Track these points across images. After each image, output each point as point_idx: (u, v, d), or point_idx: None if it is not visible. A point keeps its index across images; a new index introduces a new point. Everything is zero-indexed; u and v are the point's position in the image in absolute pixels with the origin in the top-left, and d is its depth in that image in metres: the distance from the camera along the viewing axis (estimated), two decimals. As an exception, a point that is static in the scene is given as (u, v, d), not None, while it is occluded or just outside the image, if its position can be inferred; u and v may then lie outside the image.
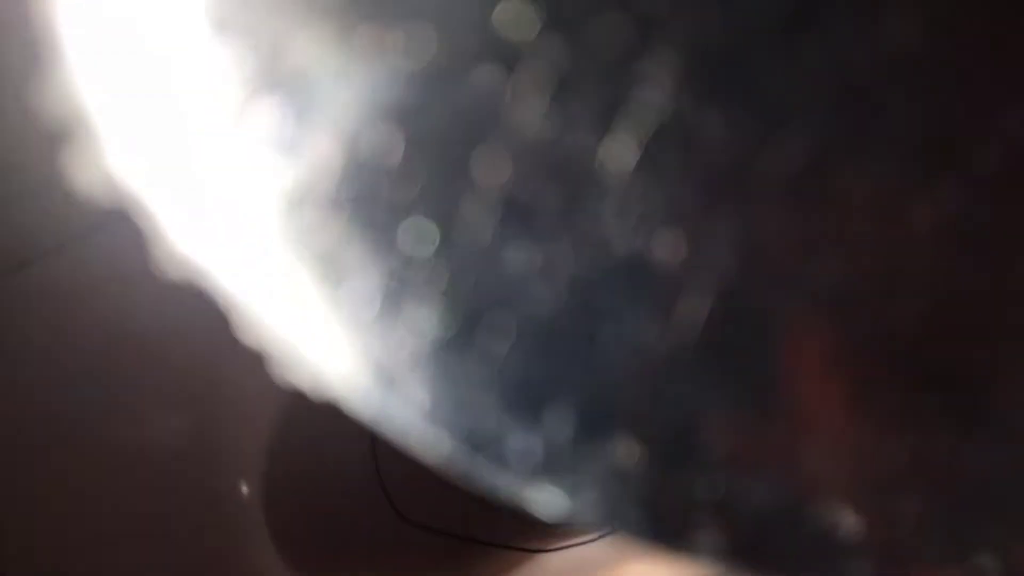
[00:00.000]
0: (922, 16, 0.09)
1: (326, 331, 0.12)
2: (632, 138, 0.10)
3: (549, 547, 0.43)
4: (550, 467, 0.11)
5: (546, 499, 0.12)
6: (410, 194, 0.10)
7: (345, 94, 0.10)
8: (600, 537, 0.43)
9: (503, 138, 0.10)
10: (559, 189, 0.10)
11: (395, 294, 0.11)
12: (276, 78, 0.10)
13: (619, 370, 0.11)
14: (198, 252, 0.11)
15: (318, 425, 0.56)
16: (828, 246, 0.10)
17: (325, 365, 0.12)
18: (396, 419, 0.12)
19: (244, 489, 0.54)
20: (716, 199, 0.10)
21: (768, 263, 0.10)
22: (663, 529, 0.12)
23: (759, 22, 0.09)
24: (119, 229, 0.44)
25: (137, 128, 0.11)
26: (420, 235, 0.11)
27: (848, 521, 0.11)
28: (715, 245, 0.10)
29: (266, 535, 0.51)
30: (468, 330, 0.11)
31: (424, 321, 0.11)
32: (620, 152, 0.10)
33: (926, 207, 0.10)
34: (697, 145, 0.10)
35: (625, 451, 0.11)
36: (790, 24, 0.09)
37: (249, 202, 0.11)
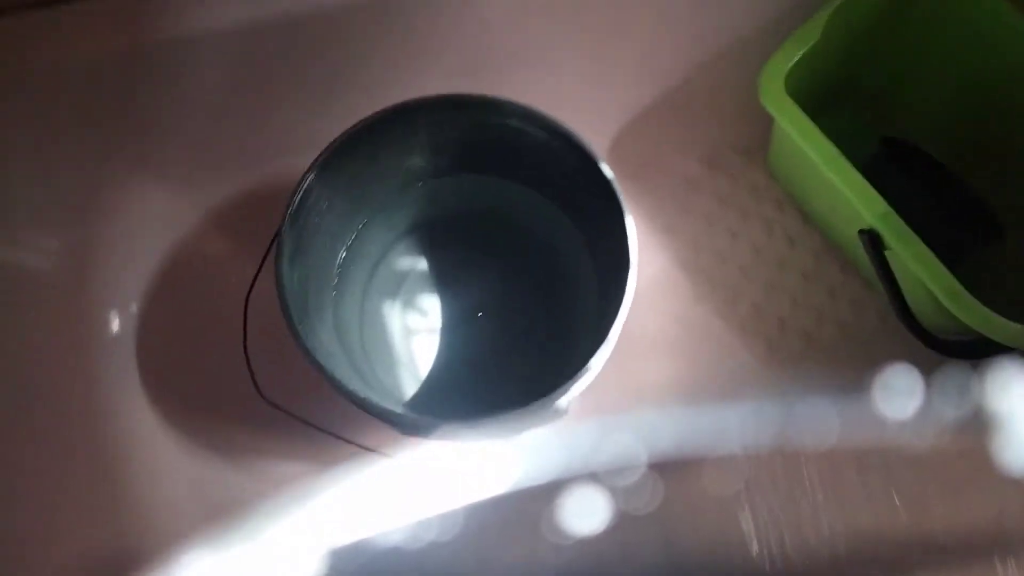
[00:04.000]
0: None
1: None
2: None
3: (387, 451, 0.47)
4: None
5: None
6: None
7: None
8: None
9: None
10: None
11: None
12: None
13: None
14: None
15: (197, 284, 0.58)
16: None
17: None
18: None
19: (115, 324, 0.55)
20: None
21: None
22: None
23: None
24: None
25: None
26: None
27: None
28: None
29: (136, 378, 0.53)
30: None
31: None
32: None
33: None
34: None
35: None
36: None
37: None
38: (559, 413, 0.43)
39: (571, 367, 0.42)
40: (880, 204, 0.44)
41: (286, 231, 0.44)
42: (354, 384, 0.42)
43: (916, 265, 0.43)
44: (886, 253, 0.46)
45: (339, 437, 0.49)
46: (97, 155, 0.53)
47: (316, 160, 0.45)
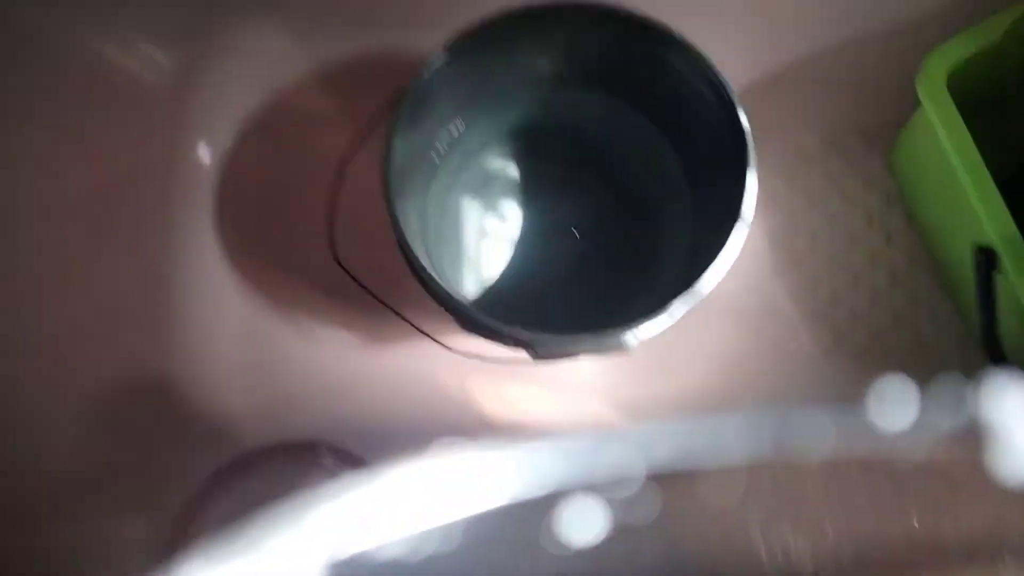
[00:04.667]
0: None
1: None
2: None
3: (451, 345, 0.47)
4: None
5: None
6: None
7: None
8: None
9: None
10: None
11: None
12: None
13: None
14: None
15: (293, 136, 0.57)
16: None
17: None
18: None
19: (205, 155, 0.55)
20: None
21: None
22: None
23: None
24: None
25: None
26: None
27: None
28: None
29: (212, 213, 0.53)
30: None
31: None
32: None
33: None
34: None
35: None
36: None
37: None
38: (624, 348, 0.42)
39: (643, 307, 0.42)
40: (1009, 224, 0.42)
41: (406, 104, 0.43)
42: (428, 268, 0.42)
43: (1025, 295, 0.42)
44: (996, 276, 0.44)
45: (401, 316, 0.49)
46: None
47: (452, 41, 0.44)
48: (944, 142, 0.44)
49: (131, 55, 0.51)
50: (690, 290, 0.40)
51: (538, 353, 0.43)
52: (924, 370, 0.55)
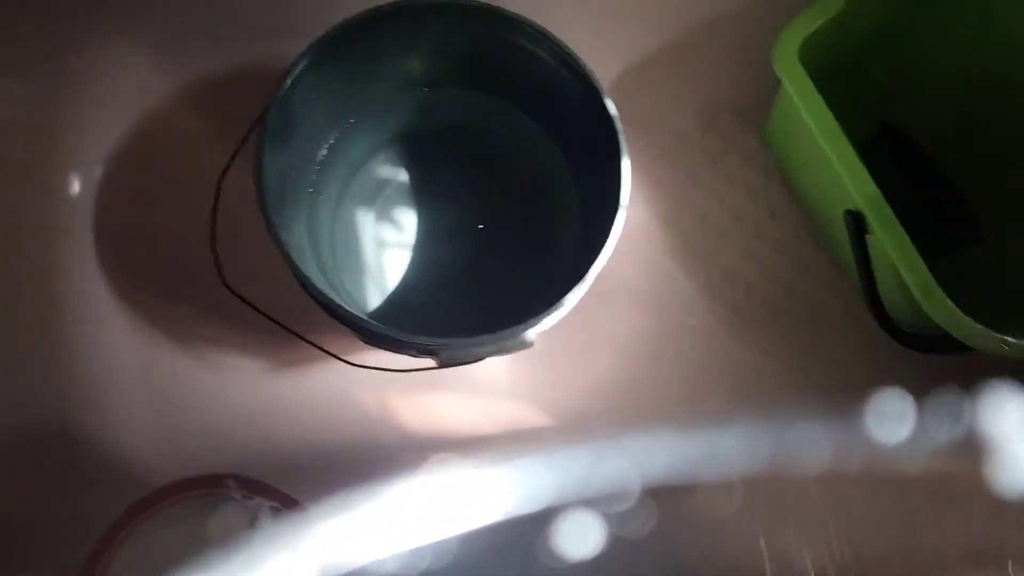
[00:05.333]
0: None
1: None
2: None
3: (350, 360, 0.47)
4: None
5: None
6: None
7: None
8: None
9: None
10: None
11: None
12: None
13: None
14: None
15: (166, 158, 0.56)
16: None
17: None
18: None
19: (76, 187, 0.52)
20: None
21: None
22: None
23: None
24: None
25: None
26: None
27: None
28: None
29: (90, 242, 0.51)
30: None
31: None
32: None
33: None
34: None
35: None
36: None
37: None
38: (525, 344, 0.43)
39: (542, 300, 0.42)
40: (871, 187, 0.44)
41: (271, 117, 0.42)
42: (321, 285, 0.42)
43: (895, 253, 0.44)
44: (867, 238, 0.46)
45: (300, 336, 0.48)
46: (79, 7, 0.50)
47: (312, 45, 0.43)
48: (803, 113, 0.46)
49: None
50: (581, 280, 0.41)
51: (443, 360, 0.43)
52: (819, 334, 0.57)
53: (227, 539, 0.34)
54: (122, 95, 0.52)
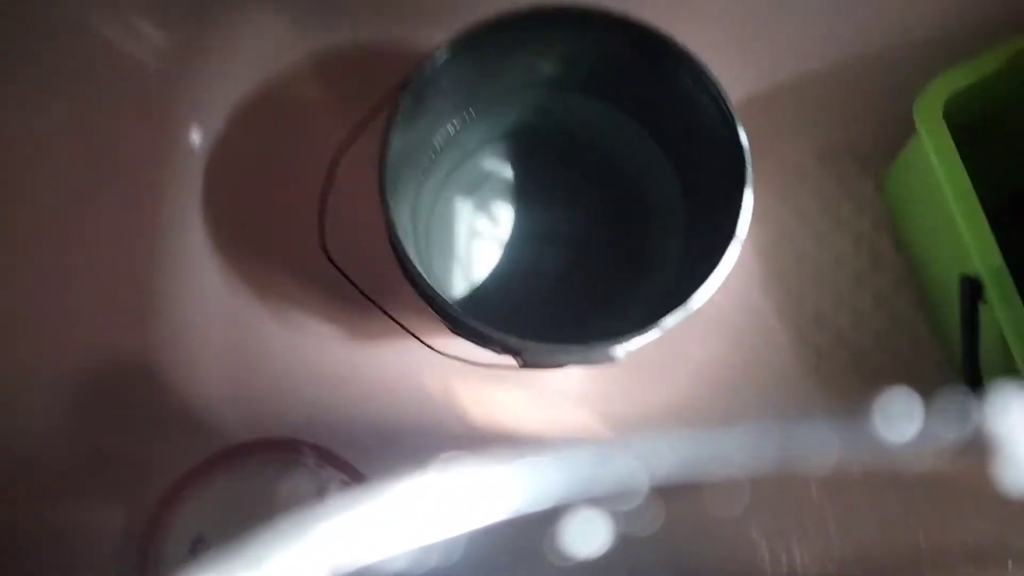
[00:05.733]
0: None
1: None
2: None
3: (435, 347, 0.47)
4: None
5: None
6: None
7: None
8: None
9: None
10: None
11: None
12: None
13: None
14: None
15: (284, 124, 0.57)
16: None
17: None
18: None
19: (195, 138, 0.54)
20: None
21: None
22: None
23: None
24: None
25: None
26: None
27: None
28: None
29: (198, 191, 0.52)
30: None
31: None
32: None
33: None
34: None
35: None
36: None
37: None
38: (612, 360, 0.42)
39: (629, 318, 0.42)
40: (997, 257, 0.42)
41: (406, 99, 0.42)
42: (418, 267, 0.42)
43: (1009, 329, 0.42)
44: (980, 305, 0.45)
45: (388, 314, 0.49)
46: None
47: (455, 37, 0.43)
48: (937, 170, 0.44)
49: (131, 36, 0.50)
50: (681, 305, 0.40)
51: (526, 361, 0.43)
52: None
53: (295, 504, 0.35)
54: (253, 58, 0.53)
